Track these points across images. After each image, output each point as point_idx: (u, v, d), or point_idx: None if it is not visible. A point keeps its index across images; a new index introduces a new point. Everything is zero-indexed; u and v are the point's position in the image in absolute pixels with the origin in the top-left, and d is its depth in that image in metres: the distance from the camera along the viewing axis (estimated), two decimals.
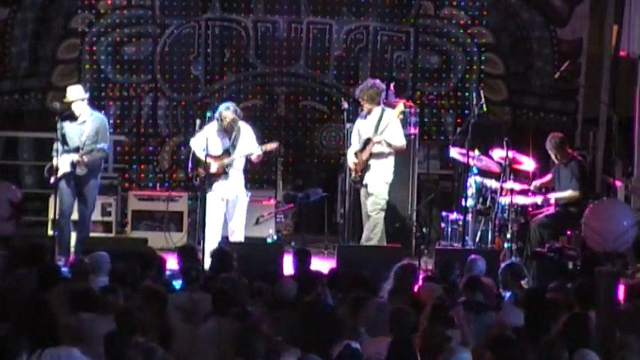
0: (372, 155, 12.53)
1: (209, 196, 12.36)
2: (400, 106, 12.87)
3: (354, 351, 6.99)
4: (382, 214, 12.59)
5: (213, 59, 15.34)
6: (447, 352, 6.96)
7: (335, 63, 15.39)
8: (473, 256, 10.37)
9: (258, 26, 15.37)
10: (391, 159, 12.63)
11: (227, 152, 12.38)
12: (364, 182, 12.58)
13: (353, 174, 12.72)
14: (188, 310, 8.42)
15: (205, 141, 12.17)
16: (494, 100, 15.27)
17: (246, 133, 12.46)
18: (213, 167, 12.32)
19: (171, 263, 10.32)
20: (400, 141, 12.59)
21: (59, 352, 6.88)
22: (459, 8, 15.46)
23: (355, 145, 12.71)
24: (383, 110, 12.61)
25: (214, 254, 10.17)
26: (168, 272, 10.14)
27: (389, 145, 12.53)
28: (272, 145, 12.53)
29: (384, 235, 12.64)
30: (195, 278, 9.18)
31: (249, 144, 12.42)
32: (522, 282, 9.99)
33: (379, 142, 12.49)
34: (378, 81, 12.84)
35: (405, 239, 13.35)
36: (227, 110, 12.29)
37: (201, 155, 12.28)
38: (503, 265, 10.43)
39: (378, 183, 12.55)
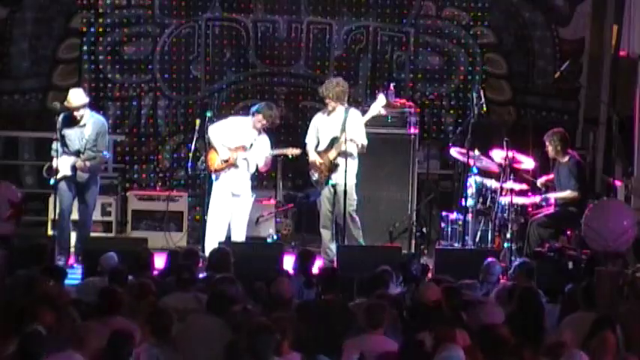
0: (341, 155, 12.35)
1: (217, 188, 12.38)
2: (381, 99, 12.71)
3: None
4: (355, 211, 12.52)
5: (213, 59, 15.34)
6: (441, 348, 6.98)
7: (335, 63, 15.38)
8: (490, 259, 10.37)
9: (258, 26, 15.36)
10: (357, 160, 12.52)
11: (244, 147, 12.41)
12: (334, 182, 12.42)
13: (317, 174, 12.60)
14: (181, 310, 8.42)
15: (235, 131, 12.33)
16: (497, 100, 15.26)
17: (264, 139, 12.55)
18: (226, 154, 12.35)
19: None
20: (365, 140, 12.47)
21: (59, 357, 6.88)
22: (460, 8, 15.44)
23: (314, 143, 12.62)
24: (348, 110, 12.54)
25: (212, 254, 10.18)
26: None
27: (357, 144, 12.42)
28: (294, 151, 12.61)
29: None
30: (189, 279, 9.21)
31: (264, 148, 12.46)
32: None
33: (351, 140, 12.36)
34: (341, 79, 12.77)
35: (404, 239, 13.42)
36: (269, 108, 12.40)
37: (215, 142, 12.31)
38: (515, 263, 10.49)
39: (349, 184, 12.36)
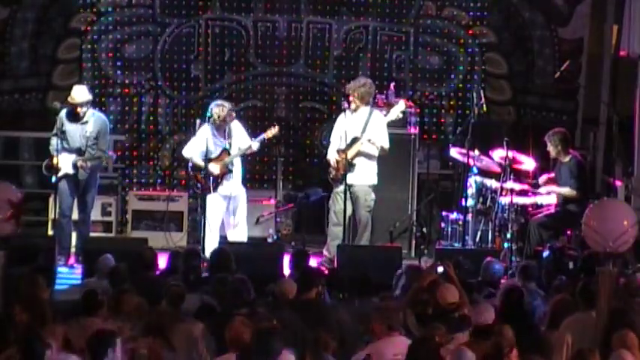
0: (359, 155, 12.36)
1: (211, 194, 12.38)
2: (401, 105, 12.80)
3: None
4: (370, 214, 12.53)
5: (214, 59, 15.34)
6: (452, 352, 6.98)
7: (335, 63, 15.38)
8: (489, 258, 10.37)
9: (258, 26, 15.37)
10: (376, 161, 12.51)
11: (226, 151, 12.40)
12: (349, 183, 12.36)
13: (333, 172, 12.57)
14: (189, 311, 8.43)
15: (205, 143, 12.26)
16: (497, 99, 15.27)
17: (238, 130, 12.52)
18: (216, 169, 12.35)
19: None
20: (387, 143, 12.49)
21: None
22: (460, 8, 15.45)
23: (337, 142, 12.61)
24: (371, 111, 12.54)
25: (213, 255, 10.19)
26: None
27: (377, 146, 12.42)
28: (273, 131, 12.56)
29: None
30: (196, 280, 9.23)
31: (242, 139, 12.44)
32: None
33: (370, 141, 12.37)
34: (370, 81, 12.77)
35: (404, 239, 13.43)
36: (218, 107, 12.33)
37: (199, 161, 12.32)
38: (519, 265, 10.53)
39: (364, 186, 12.39)
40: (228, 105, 12.45)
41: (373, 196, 12.52)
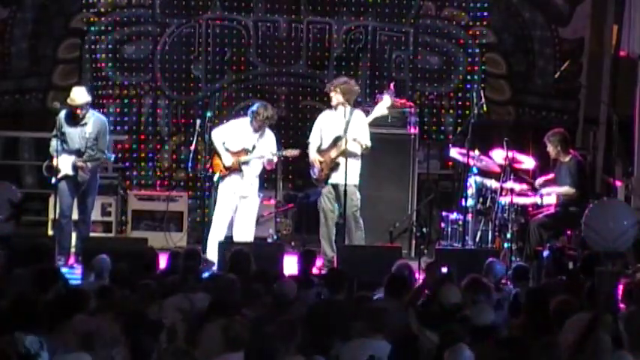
0: (343, 154, 12.25)
1: (222, 189, 12.40)
2: (386, 101, 12.70)
3: None
4: (358, 213, 12.48)
5: (214, 59, 15.35)
6: (451, 351, 6.96)
7: (335, 63, 15.38)
8: (491, 259, 10.36)
9: (258, 26, 15.38)
10: (359, 160, 12.47)
11: (245, 151, 12.41)
12: (334, 183, 12.37)
13: (317, 172, 12.56)
14: (186, 311, 8.40)
15: (234, 133, 12.39)
16: (497, 100, 15.27)
17: (269, 138, 12.52)
18: (229, 161, 12.36)
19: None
20: (369, 141, 12.40)
21: (67, 357, 6.86)
22: (460, 8, 15.45)
23: (317, 141, 12.60)
24: (352, 110, 12.45)
25: (232, 255, 10.13)
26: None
27: (362, 144, 12.37)
28: (293, 152, 12.58)
29: None
30: (193, 280, 9.21)
31: (268, 149, 12.44)
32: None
33: (355, 140, 12.27)
34: (353, 81, 12.77)
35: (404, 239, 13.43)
36: (264, 108, 12.34)
37: (219, 147, 12.33)
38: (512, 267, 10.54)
39: (350, 185, 12.26)
40: (272, 110, 12.46)
41: (359, 195, 12.47)
